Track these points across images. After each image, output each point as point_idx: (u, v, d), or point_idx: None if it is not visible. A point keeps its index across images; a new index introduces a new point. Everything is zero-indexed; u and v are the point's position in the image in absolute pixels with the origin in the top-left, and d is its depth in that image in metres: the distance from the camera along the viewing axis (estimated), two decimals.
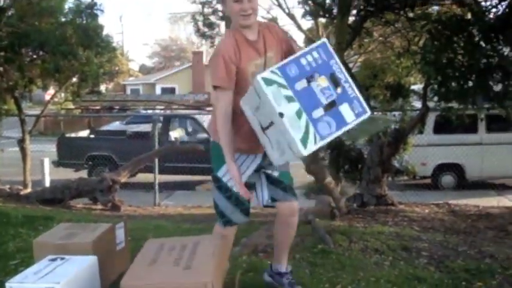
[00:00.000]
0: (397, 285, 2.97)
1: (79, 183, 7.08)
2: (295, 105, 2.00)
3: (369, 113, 2.11)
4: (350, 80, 2.13)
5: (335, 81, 2.10)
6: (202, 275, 2.05)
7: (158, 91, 28.99)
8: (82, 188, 6.98)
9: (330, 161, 7.36)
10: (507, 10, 4.53)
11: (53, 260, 2.41)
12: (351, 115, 2.08)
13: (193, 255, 2.22)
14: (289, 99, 2.00)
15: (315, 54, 2.11)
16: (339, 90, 2.09)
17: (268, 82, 2.01)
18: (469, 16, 4.88)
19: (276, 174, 2.55)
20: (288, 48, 2.46)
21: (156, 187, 8.04)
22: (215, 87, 2.36)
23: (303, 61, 2.08)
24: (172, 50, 43.92)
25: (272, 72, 2.05)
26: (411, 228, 4.88)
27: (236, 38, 2.35)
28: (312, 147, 2.00)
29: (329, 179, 5.13)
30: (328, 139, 2.05)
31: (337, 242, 3.72)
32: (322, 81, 2.08)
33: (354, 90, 2.12)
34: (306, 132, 1.99)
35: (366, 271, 3.18)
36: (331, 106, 2.06)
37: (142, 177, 8.78)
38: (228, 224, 2.54)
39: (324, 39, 2.21)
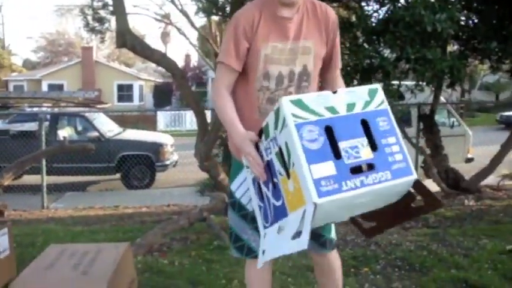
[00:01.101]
0: (291, 276, 3.10)
1: None
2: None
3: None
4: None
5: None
6: (98, 281, 1.98)
7: (45, 88, 27.34)
8: None
9: (223, 157, 7.43)
10: (386, 15, 4.87)
11: None
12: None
13: (94, 262, 2.15)
14: None
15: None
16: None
17: None
18: (353, 19, 5.16)
19: None
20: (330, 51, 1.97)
21: (44, 189, 7.58)
22: (218, 62, 1.92)
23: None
24: (60, 44, 41.61)
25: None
26: None
27: (262, 8, 1.84)
28: None
29: (223, 176, 5.16)
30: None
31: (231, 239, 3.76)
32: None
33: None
34: None
35: None
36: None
37: (29, 179, 8.25)
38: (247, 252, 1.97)
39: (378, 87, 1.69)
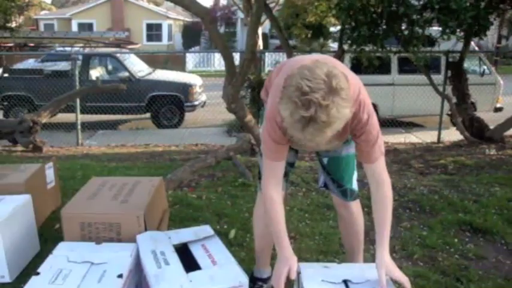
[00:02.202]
0: (308, 213, 3.35)
1: None
2: None
3: None
4: None
5: None
6: (136, 208, 2.26)
7: (74, 27, 27.53)
8: (0, 130, 6.78)
9: (251, 99, 7.58)
10: None
11: None
12: None
13: (132, 193, 2.43)
14: None
15: None
16: None
17: None
18: None
19: (325, 160, 2.16)
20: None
21: (79, 127, 7.94)
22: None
23: None
24: None
25: None
26: None
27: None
28: None
29: (249, 117, 5.33)
30: None
31: (256, 176, 4.02)
32: None
33: None
34: None
35: None
36: None
37: (62, 117, 8.61)
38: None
39: None
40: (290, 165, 2.15)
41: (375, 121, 1.84)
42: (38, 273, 1.90)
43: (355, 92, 1.74)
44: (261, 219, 2.15)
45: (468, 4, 4.16)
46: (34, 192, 2.72)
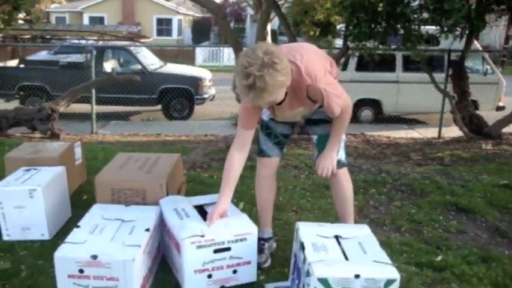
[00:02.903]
0: (309, 191, 3.70)
1: (17, 113, 7.19)
2: None
3: None
4: None
5: None
6: (159, 178, 2.62)
7: (86, 20, 27.95)
8: (20, 117, 7.12)
9: None
10: None
11: (27, 170, 2.87)
12: None
13: (154, 165, 2.79)
14: None
15: None
16: None
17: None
18: None
19: (314, 138, 2.55)
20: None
21: (93, 116, 8.28)
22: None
23: None
24: None
25: None
26: None
27: None
28: None
29: None
30: None
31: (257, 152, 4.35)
32: None
33: None
34: None
35: (285, 181, 3.89)
36: None
37: (76, 107, 8.95)
38: (259, 152, 2.62)
39: None
40: (285, 136, 2.60)
41: (334, 89, 2.23)
42: (78, 226, 2.25)
43: (307, 68, 2.15)
44: (262, 185, 2.61)
45: (460, 5, 4.46)
46: (66, 166, 3.07)
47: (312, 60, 2.21)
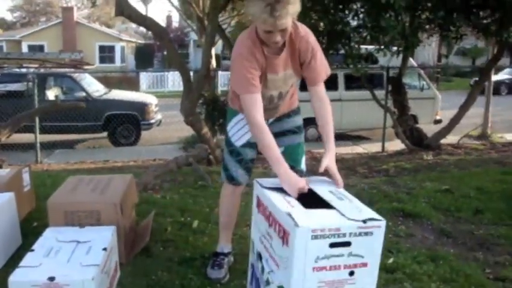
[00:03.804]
0: None
1: None
2: None
3: None
4: None
5: None
6: (113, 198, 2.60)
7: (25, 48, 27.20)
8: None
9: (206, 115, 7.97)
10: None
11: None
12: None
13: (108, 186, 2.76)
14: None
15: None
16: None
17: None
18: None
19: (281, 150, 2.37)
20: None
21: (38, 145, 8.06)
22: (241, 94, 2.22)
23: None
24: (37, 4, 41.02)
25: None
26: None
27: (254, 46, 2.20)
28: None
29: (205, 130, 5.72)
30: None
31: (214, 180, 4.40)
32: None
33: None
34: None
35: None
36: None
37: (17, 137, 8.67)
38: (230, 179, 2.56)
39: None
40: (252, 161, 2.58)
41: (319, 48, 2.32)
42: (32, 250, 2.20)
43: (302, 26, 2.27)
44: (229, 202, 2.63)
45: (396, 22, 4.74)
46: (14, 192, 2.98)
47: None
